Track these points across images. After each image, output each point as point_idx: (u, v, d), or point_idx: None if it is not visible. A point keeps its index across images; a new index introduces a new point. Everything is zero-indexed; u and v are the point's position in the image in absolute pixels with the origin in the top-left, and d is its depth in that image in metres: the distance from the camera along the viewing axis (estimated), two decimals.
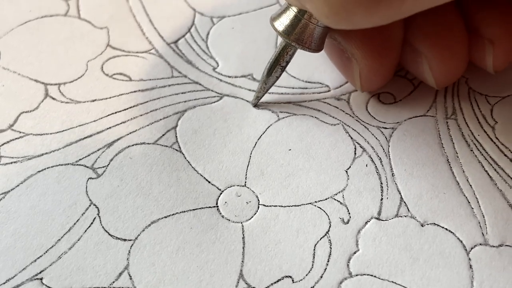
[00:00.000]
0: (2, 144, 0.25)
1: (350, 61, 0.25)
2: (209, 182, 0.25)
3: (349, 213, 0.24)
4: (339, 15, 0.18)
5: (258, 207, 0.24)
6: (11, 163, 0.25)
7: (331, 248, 0.23)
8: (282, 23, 0.23)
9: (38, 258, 0.23)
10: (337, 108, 0.27)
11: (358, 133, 0.26)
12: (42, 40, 0.28)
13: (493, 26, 0.25)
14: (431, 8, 0.23)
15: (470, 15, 0.25)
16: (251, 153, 0.25)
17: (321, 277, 0.22)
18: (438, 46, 0.25)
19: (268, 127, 0.26)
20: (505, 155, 0.25)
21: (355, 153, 0.25)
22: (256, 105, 0.27)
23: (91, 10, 0.30)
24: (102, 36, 0.29)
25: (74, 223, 0.23)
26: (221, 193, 0.24)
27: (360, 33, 0.24)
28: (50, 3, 0.30)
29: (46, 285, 0.22)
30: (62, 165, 0.25)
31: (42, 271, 0.22)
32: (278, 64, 0.25)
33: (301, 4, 0.20)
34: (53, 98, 0.27)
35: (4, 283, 0.22)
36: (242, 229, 0.23)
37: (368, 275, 0.22)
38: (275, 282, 0.22)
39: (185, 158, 0.25)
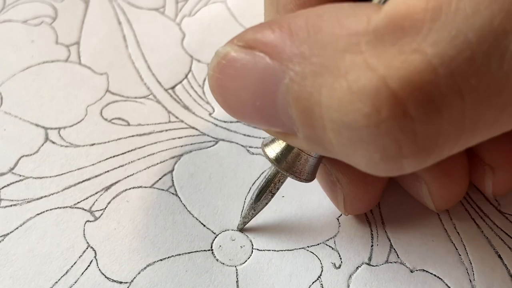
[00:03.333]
0: (3, 187, 0.26)
1: (335, 185, 0.24)
2: (204, 225, 0.25)
3: (341, 258, 0.24)
4: (395, 167, 0.17)
5: (252, 251, 0.25)
6: (11, 206, 0.25)
7: None
8: (274, 150, 0.22)
9: None
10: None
11: None
12: (43, 86, 0.29)
13: (494, 152, 0.24)
14: None
15: None
16: (245, 198, 0.26)
17: None
18: (438, 172, 0.24)
19: (262, 173, 0.27)
20: (490, 203, 0.26)
21: None
22: (241, 230, 0.25)
23: (91, 57, 0.30)
24: (101, 82, 0.29)
25: (71, 266, 0.24)
26: (216, 237, 0.25)
27: None
28: (52, 49, 0.30)
29: None
30: (60, 208, 0.25)
31: None
32: (268, 191, 0.24)
33: (340, 158, 0.18)
34: (53, 142, 0.27)
35: None
36: (236, 272, 0.24)
37: None
38: None
39: (181, 201, 0.26)
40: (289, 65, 0.17)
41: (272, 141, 0.22)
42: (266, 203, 0.24)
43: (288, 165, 0.22)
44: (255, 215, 0.25)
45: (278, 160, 0.22)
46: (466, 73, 0.16)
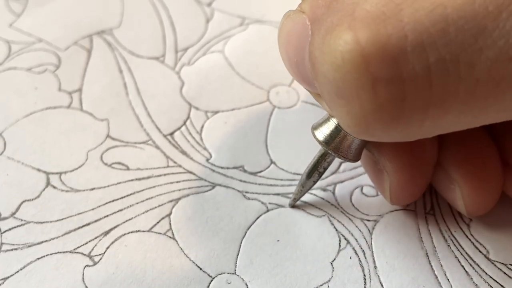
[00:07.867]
0: (4, 232, 0.26)
1: (382, 173, 0.26)
2: (201, 269, 0.26)
3: None
4: (360, 127, 0.19)
5: None
6: (12, 250, 0.26)
7: None
8: (323, 132, 0.24)
9: None
10: (323, 199, 0.28)
11: (343, 225, 0.27)
12: (45, 131, 0.30)
13: None
14: (465, 136, 0.23)
15: (505, 149, 0.25)
16: (241, 242, 0.26)
17: None
18: (473, 177, 0.25)
19: (258, 217, 0.27)
20: (480, 251, 0.26)
21: (339, 246, 0.26)
22: (293, 206, 0.27)
23: (93, 103, 0.31)
24: (102, 128, 0.30)
25: None
26: (212, 280, 0.25)
27: (393, 148, 0.25)
28: (55, 96, 0.31)
29: None
30: (60, 252, 0.26)
31: None
32: (316, 170, 0.26)
33: (331, 112, 0.21)
34: (54, 187, 0.28)
35: None
36: None
37: None
38: None
39: (178, 245, 0.26)
40: (312, 25, 0.20)
41: (320, 124, 0.24)
42: (314, 182, 0.26)
43: (335, 146, 0.24)
44: (304, 193, 0.27)
45: (326, 142, 0.24)
46: (436, 44, 0.17)
